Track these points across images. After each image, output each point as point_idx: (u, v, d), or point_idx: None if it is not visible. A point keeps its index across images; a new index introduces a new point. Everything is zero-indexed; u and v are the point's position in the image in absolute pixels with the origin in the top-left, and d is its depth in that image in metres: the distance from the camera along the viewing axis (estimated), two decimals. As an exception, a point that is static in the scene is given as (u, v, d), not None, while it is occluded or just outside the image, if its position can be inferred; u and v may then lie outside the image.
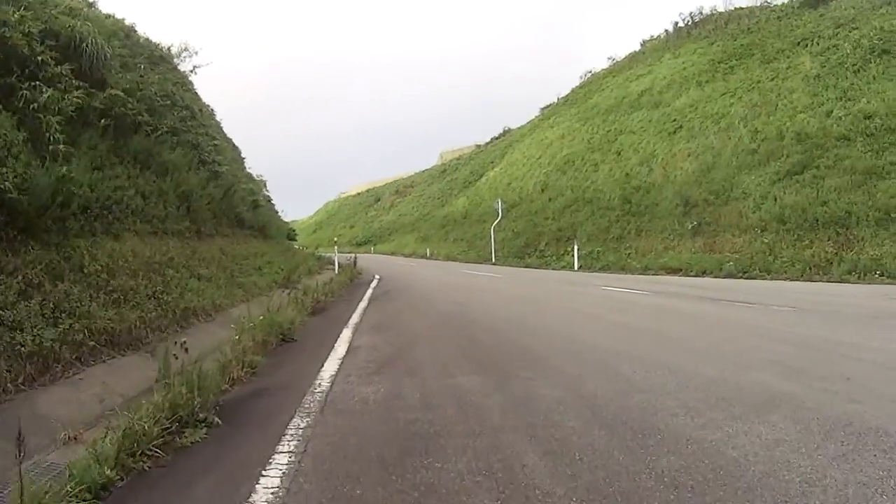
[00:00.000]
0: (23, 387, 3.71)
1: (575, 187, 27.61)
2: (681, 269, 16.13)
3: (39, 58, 6.62)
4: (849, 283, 11.82)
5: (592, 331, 6.59)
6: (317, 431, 3.21)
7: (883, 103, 16.28)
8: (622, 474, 2.45)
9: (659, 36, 37.48)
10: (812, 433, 2.87)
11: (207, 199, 10.52)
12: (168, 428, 3.13)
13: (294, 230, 27.81)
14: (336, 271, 17.43)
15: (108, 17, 12.33)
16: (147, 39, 14.17)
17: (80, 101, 6.81)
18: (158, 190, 8.37)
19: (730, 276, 14.27)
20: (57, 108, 6.23)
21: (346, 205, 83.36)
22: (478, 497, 2.30)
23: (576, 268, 20.41)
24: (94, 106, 7.37)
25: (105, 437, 2.91)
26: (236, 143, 20.08)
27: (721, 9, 34.00)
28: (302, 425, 3.32)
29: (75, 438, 3.27)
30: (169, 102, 11.20)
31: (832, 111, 17.64)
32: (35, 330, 4.09)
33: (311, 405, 3.75)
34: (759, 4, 31.65)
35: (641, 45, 39.00)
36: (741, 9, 32.67)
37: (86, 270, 5.29)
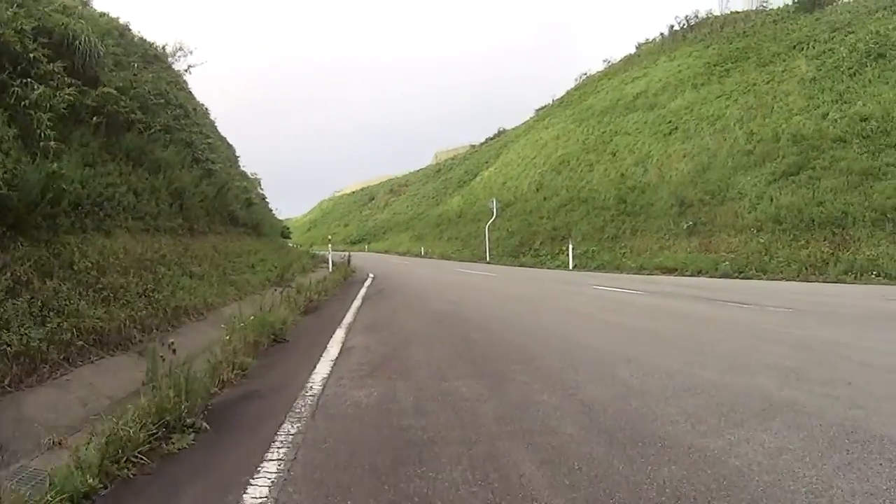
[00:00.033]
0: (9, 388, 3.59)
1: (570, 187, 27.62)
2: (676, 269, 16.12)
3: (32, 55, 6.52)
4: (845, 283, 11.84)
5: (587, 330, 6.53)
6: (307, 438, 3.13)
7: (879, 106, 16.35)
8: (622, 484, 2.38)
9: (654, 39, 37.63)
10: (816, 441, 2.80)
11: (200, 196, 10.41)
12: (154, 433, 3.03)
13: (288, 228, 27.74)
14: (330, 269, 17.35)
15: (102, 15, 12.20)
16: (141, 38, 14.03)
17: (72, 98, 6.71)
18: (151, 187, 8.26)
19: (725, 275, 14.26)
20: (48, 105, 6.14)
21: (341, 203, 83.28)
22: (474, 508, 2.22)
23: (570, 267, 20.37)
24: (86, 103, 7.28)
25: (88, 443, 2.81)
26: (231, 141, 20.00)
27: (717, 12, 34.15)
28: (292, 431, 3.23)
29: (60, 443, 3.16)
30: (162, 101, 11.06)
31: (828, 113, 17.69)
32: (22, 329, 3.96)
33: (303, 409, 3.65)
34: (754, 8, 31.80)
35: (637, 47, 39.13)
36: (737, 12, 32.85)
37: (75, 268, 5.17)
